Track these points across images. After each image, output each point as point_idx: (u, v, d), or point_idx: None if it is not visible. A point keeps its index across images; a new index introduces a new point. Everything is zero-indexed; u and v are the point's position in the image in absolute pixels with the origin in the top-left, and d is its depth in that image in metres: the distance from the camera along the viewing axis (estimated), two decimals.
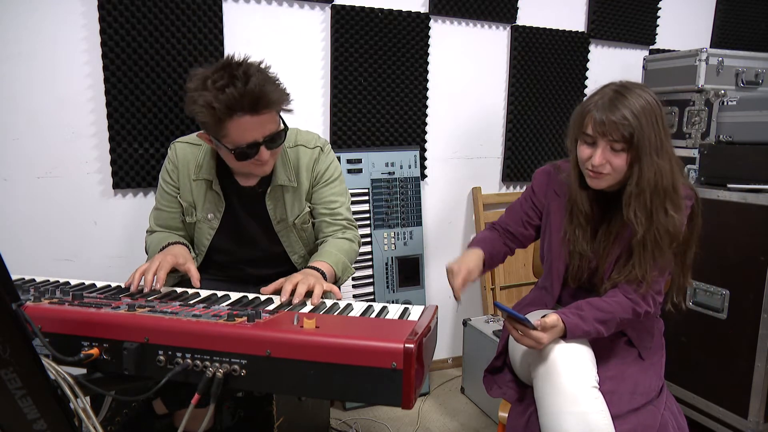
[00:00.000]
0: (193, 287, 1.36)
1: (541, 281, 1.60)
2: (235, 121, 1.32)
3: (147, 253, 1.63)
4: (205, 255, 1.62)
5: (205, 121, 1.34)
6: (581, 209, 1.41)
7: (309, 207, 1.61)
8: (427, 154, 2.49)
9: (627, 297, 1.35)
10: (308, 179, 1.59)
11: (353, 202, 2.28)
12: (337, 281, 1.52)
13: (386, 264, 2.37)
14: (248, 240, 1.61)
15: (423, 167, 2.48)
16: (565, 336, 1.29)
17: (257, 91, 1.31)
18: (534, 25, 2.56)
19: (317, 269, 1.40)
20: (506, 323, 1.34)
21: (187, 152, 1.57)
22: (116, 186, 1.98)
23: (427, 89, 2.41)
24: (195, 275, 1.36)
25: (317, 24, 2.20)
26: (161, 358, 0.99)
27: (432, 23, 2.37)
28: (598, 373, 1.30)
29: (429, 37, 2.36)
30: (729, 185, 1.94)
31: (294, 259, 1.65)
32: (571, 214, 1.44)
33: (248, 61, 1.38)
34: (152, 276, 1.30)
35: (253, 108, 1.32)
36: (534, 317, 1.30)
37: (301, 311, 1.15)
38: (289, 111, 1.45)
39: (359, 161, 2.31)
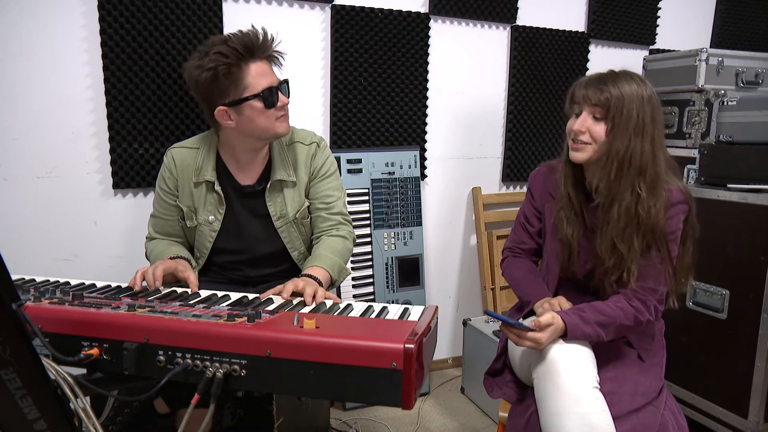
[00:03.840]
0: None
1: None
2: (250, 66, 1.42)
3: (148, 259, 1.64)
4: (206, 258, 1.63)
5: (223, 80, 1.40)
6: (565, 190, 1.42)
7: (308, 202, 1.63)
8: (427, 154, 2.49)
9: (630, 304, 1.34)
10: (306, 174, 1.61)
11: (353, 202, 2.28)
12: (333, 284, 1.52)
13: (386, 264, 2.37)
14: (250, 239, 1.61)
15: (423, 167, 2.48)
16: (565, 336, 1.29)
17: (259, 33, 1.44)
18: (534, 25, 2.56)
19: (313, 277, 1.40)
20: (502, 329, 1.33)
21: (185, 156, 1.57)
22: (116, 186, 1.98)
23: (427, 89, 2.41)
24: (194, 282, 1.36)
25: (317, 24, 2.20)
26: (161, 358, 0.99)
27: (432, 23, 2.37)
28: (598, 374, 1.29)
29: (429, 37, 2.36)
30: (729, 185, 1.94)
31: (294, 256, 1.65)
32: (558, 197, 1.45)
33: None
34: (152, 276, 1.31)
35: (262, 49, 1.44)
36: (532, 319, 1.30)
37: (301, 311, 1.16)
38: (283, 56, 1.54)
39: (359, 161, 2.31)
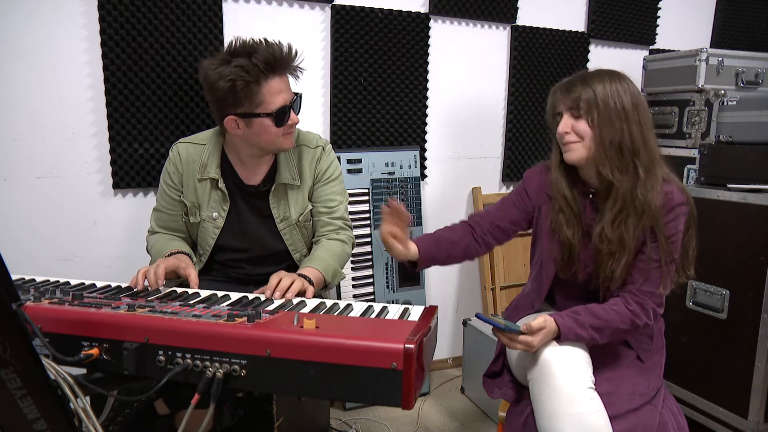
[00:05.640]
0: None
1: (530, 282, 1.59)
2: (269, 83, 1.42)
3: (149, 253, 1.65)
4: (209, 255, 1.63)
5: (239, 93, 1.39)
6: (562, 192, 1.42)
7: (311, 205, 1.63)
8: (427, 154, 2.49)
9: (627, 308, 1.33)
10: (311, 177, 1.62)
11: (353, 203, 2.28)
12: (326, 286, 1.54)
13: (386, 264, 2.36)
14: (252, 238, 1.62)
15: (423, 167, 2.48)
16: (559, 338, 1.29)
17: (284, 48, 1.44)
18: (534, 25, 2.56)
19: (305, 277, 1.41)
20: (494, 333, 1.33)
21: (190, 152, 1.59)
22: (116, 186, 1.97)
23: (427, 89, 2.41)
24: (194, 280, 1.37)
25: (317, 24, 2.20)
26: (161, 358, 0.99)
27: (432, 23, 2.37)
28: (595, 375, 1.29)
29: (429, 37, 2.36)
30: (729, 185, 1.94)
31: (296, 258, 1.66)
32: (554, 200, 1.45)
33: None
34: (154, 275, 1.32)
35: (284, 65, 1.44)
36: (528, 321, 1.30)
37: (301, 311, 1.16)
38: (302, 71, 1.52)
39: (359, 161, 2.31)
